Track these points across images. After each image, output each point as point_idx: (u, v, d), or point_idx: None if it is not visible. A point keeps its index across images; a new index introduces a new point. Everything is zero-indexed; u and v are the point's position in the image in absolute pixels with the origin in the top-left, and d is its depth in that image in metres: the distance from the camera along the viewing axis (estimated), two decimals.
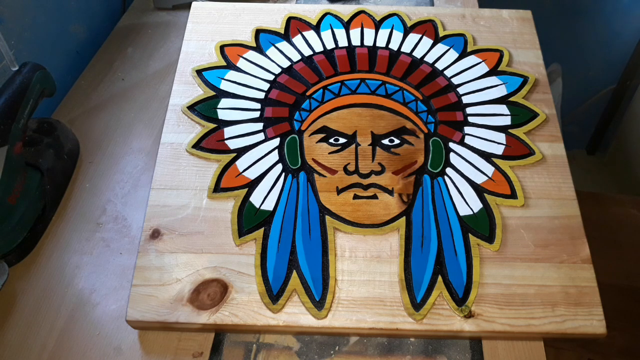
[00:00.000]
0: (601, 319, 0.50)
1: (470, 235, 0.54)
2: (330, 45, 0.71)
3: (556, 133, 0.63)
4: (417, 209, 0.56)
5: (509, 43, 0.72)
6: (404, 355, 0.50)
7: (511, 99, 0.66)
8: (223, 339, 0.51)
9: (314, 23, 0.73)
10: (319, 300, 0.50)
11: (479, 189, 0.58)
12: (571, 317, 0.50)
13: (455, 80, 0.67)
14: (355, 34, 0.72)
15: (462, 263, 0.53)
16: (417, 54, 0.70)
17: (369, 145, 0.61)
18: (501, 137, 0.62)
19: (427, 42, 0.71)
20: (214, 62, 0.69)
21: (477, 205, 0.57)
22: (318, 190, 0.57)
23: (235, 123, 0.63)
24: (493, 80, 0.67)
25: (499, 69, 0.68)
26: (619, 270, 0.89)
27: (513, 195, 0.57)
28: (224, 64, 0.68)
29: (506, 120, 0.64)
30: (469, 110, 0.65)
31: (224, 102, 0.65)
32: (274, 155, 0.60)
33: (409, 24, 0.73)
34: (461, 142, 0.62)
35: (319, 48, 0.70)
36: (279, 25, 0.73)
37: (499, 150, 0.61)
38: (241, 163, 0.59)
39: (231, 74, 0.67)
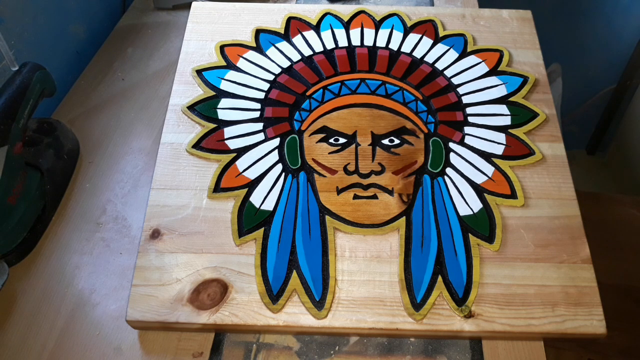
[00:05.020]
0: (601, 319, 0.50)
1: (470, 235, 0.54)
2: (330, 45, 0.71)
3: (556, 133, 0.63)
4: (417, 209, 0.56)
5: (509, 43, 0.71)
6: (404, 355, 0.50)
7: (511, 99, 0.66)
8: (223, 339, 0.51)
9: (314, 23, 0.73)
10: (319, 300, 0.50)
11: (479, 189, 0.58)
12: (571, 317, 0.50)
13: (455, 80, 0.67)
14: (355, 34, 0.72)
15: (462, 263, 0.53)
16: (417, 54, 0.70)
17: (369, 145, 0.61)
18: (501, 137, 0.62)
19: (427, 42, 0.71)
20: (214, 62, 0.69)
21: (477, 205, 0.57)
22: (318, 190, 0.57)
23: (235, 123, 0.63)
24: (493, 80, 0.67)
25: (499, 69, 0.68)
26: (619, 270, 0.89)
27: (513, 195, 0.57)
28: (224, 64, 0.68)
29: (506, 120, 0.64)
30: (469, 110, 0.65)
31: (224, 102, 0.65)
32: (274, 155, 0.60)
33: (409, 24, 0.73)
34: (461, 142, 0.62)
35: (319, 48, 0.70)
36: (279, 25, 0.73)
37: (499, 150, 0.61)
38: (241, 163, 0.59)
39: (231, 74, 0.67)
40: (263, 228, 0.55)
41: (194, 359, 0.50)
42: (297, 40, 0.71)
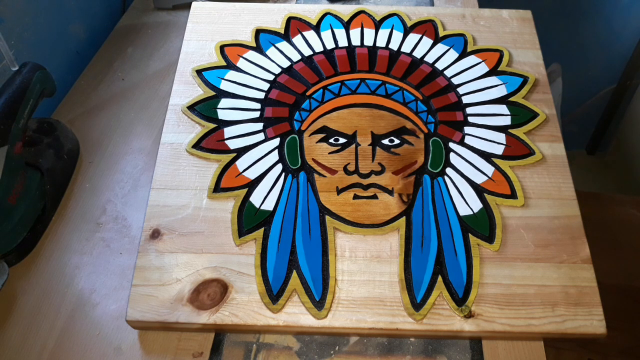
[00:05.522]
0: (601, 319, 0.50)
1: (470, 235, 0.54)
2: (330, 45, 0.71)
3: (556, 133, 0.63)
4: (417, 209, 0.56)
5: (509, 43, 0.71)
6: (404, 355, 0.50)
7: (511, 99, 0.66)
8: (223, 339, 0.51)
9: (314, 23, 0.73)
10: (319, 300, 0.50)
11: (479, 189, 0.58)
12: (571, 317, 0.50)
13: (455, 80, 0.67)
14: (355, 34, 0.72)
15: (462, 263, 0.53)
16: (417, 54, 0.70)
17: (369, 145, 0.61)
18: (501, 137, 0.62)
19: (427, 42, 0.71)
20: (214, 62, 0.69)
21: (477, 205, 0.57)
22: (318, 190, 0.57)
23: (235, 123, 0.63)
24: (493, 80, 0.67)
25: (499, 69, 0.68)
26: (619, 270, 0.89)
27: (513, 195, 0.57)
28: (224, 64, 0.68)
29: (506, 120, 0.64)
30: (469, 110, 0.65)
31: (224, 102, 0.65)
32: (274, 155, 0.60)
33: (409, 24, 0.73)
34: (461, 142, 0.62)
35: (319, 48, 0.70)
36: (279, 25, 0.73)
37: (499, 150, 0.61)
38: (241, 163, 0.59)
39: (231, 74, 0.67)
40: (263, 228, 0.55)
41: (194, 359, 0.50)
42: (297, 40, 0.71)
